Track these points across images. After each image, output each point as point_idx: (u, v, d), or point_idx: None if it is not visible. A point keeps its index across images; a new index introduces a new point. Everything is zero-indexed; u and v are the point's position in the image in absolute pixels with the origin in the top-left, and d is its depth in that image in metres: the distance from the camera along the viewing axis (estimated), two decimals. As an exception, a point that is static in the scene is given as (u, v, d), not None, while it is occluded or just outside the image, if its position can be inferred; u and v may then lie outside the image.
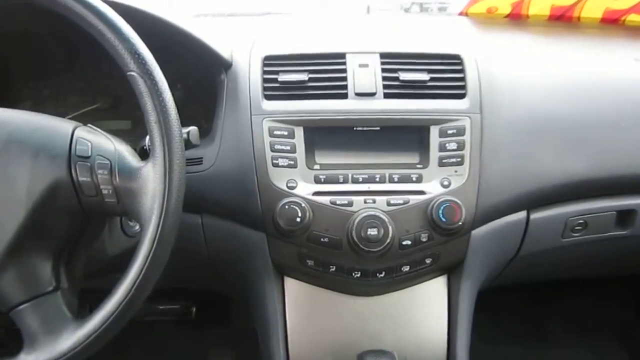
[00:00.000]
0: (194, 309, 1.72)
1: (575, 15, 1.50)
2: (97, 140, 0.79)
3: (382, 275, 0.99)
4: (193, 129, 0.86)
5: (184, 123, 1.19)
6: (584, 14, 1.50)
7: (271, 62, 1.03)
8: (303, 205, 0.95)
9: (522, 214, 1.06)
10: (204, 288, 1.52)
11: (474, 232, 1.01)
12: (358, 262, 0.98)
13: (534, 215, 1.07)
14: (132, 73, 0.74)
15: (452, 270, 1.06)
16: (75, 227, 0.81)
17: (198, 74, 1.17)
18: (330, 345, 1.06)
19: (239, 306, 1.71)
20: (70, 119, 1.26)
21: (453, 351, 1.04)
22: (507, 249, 1.10)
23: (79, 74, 1.25)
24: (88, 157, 0.76)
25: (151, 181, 0.73)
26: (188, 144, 0.85)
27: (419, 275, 1.02)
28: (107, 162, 0.77)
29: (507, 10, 1.50)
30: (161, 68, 0.76)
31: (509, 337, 1.81)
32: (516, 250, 1.11)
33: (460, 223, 0.95)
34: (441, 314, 1.07)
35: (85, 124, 0.84)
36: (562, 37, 1.35)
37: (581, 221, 1.11)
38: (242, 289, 1.13)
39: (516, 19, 1.50)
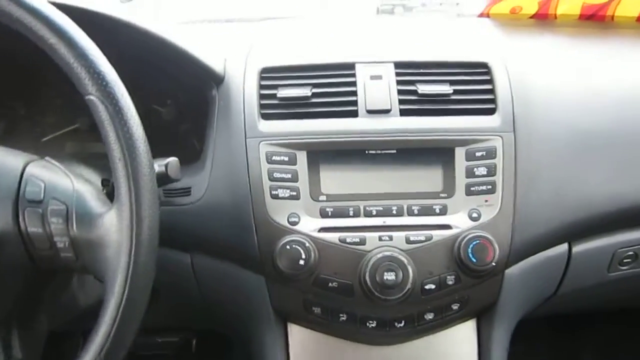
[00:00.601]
0: (194, 342, 1.59)
1: (608, 14, 1.35)
2: (53, 179, 0.65)
3: (401, 324, 0.86)
4: (172, 160, 0.73)
5: (176, 143, 1.05)
6: (619, 12, 1.34)
7: (269, 75, 0.92)
8: (307, 244, 0.82)
9: (563, 247, 0.93)
10: (202, 328, 1.39)
11: (507, 271, 0.88)
12: (373, 311, 0.85)
13: (577, 248, 0.94)
14: (91, 97, 0.61)
15: (482, 314, 0.92)
16: (30, 285, 0.68)
17: (189, 88, 1.04)
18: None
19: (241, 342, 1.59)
20: (46, 141, 1.14)
21: None
22: (545, 287, 0.96)
23: (57, 92, 1.12)
24: (40, 202, 0.63)
25: (115, 232, 0.60)
26: (165, 179, 0.72)
27: (444, 322, 0.88)
28: (63, 207, 0.63)
29: (533, 9, 1.34)
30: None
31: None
32: (555, 288, 0.97)
33: (493, 263, 0.81)
34: (470, 365, 0.92)
35: (43, 157, 0.70)
36: (598, 39, 1.20)
37: (631, 253, 0.98)
38: (242, 334, 0.99)
39: (543, 19, 1.35)
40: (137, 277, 0.59)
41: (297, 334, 0.92)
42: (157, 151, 0.82)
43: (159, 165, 0.73)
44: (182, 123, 1.09)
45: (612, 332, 1.69)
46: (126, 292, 0.59)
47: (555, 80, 0.96)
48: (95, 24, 0.68)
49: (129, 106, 0.62)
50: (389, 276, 0.80)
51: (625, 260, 0.98)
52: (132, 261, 0.59)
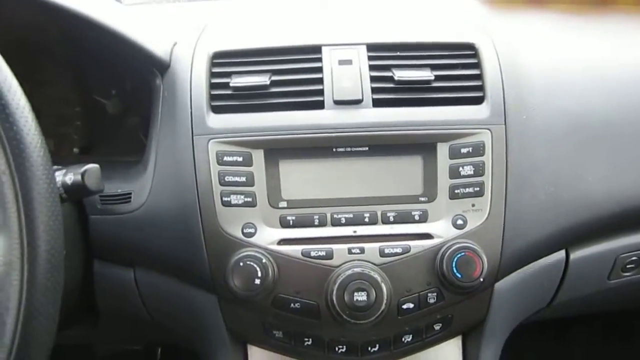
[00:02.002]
0: (159, 351, 1.48)
1: (606, -7, 1.24)
2: None
3: (375, 349, 0.76)
4: (91, 168, 0.61)
5: (122, 141, 0.93)
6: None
7: (221, 61, 0.82)
8: (264, 260, 0.71)
9: (559, 255, 0.83)
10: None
11: (497, 284, 0.78)
12: (342, 334, 0.75)
13: (575, 255, 0.84)
14: None
15: (468, 332, 0.82)
16: None
17: (134, 77, 0.91)
18: None
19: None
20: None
21: None
22: (538, 299, 0.87)
23: None
24: None
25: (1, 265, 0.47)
26: (82, 191, 0.59)
27: (424, 345, 0.78)
28: None
29: (525, -14, 1.23)
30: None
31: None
32: (550, 299, 0.86)
33: (480, 279, 0.71)
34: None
35: None
36: (599, 19, 1.09)
37: (634, 258, 0.88)
38: (199, 354, 0.87)
39: (536, -1, 1.23)
40: (30, 329, 0.47)
41: (257, 356, 0.81)
42: (102, 150, 0.71)
43: (74, 174, 0.60)
44: (129, 117, 0.97)
45: (605, 337, 1.61)
46: (15, 344, 0.46)
47: (551, 63, 0.85)
48: (24, 6, 0.54)
49: (18, 100, 0.49)
50: (360, 297, 0.69)
51: (628, 267, 0.88)
52: (22, 308, 0.46)
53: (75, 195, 0.61)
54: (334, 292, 0.70)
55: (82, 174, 0.60)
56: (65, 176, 0.61)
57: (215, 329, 0.78)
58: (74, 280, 0.79)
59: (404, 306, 0.73)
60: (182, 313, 0.81)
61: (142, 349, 1.50)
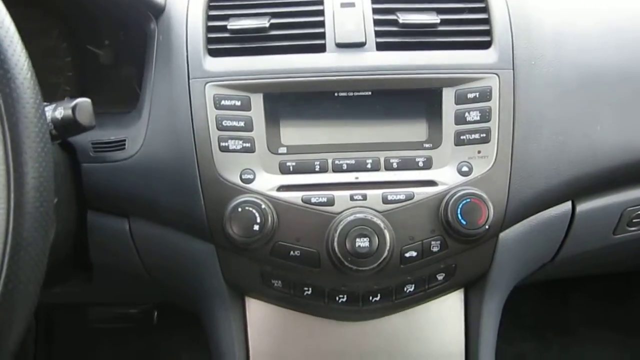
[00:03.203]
0: (155, 313, 1.46)
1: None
2: None
3: (377, 299, 0.74)
4: (82, 102, 0.58)
5: (116, 92, 0.90)
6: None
7: (218, 4, 0.79)
8: (263, 205, 0.69)
9: (565, 207, 0.81)
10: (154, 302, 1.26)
11: (502, 234, 0.76)
12: (343, 283, 0.73)
13: (582, 207, 0.82)
14: None
15: (471, 284, 0.80)
16: None
17: (127, 24, 0.87)
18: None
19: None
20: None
21: None
22: (543, 253, 0.85)
23: None
24: None
25: None
26: (74, 127, 0.57)
27: (427, 295, 0.76)
28: None
29: None
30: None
31: (529, 333, 1.58)
32: (554, 253, 0.84)
33: (485, 226, 0.69)
34: (456, 340, 0.82)
35: None
36: None
37: None
38: (196, 309, 0.86)
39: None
40: (19, 260, 0.44)
41: (256, 309, 0.80)
42: (95, 102, 0.68)
43: (64, 109, 0.57)
44: (123, 67, 0.93)
45: (603, 294, 1.62)
46: (3, 276, 0.44)
47: (563, 13, 0.82)
48: None
49: (8, 28, 0.46)
50: (362, 243, 0.67)
51: (634, 221, 0.86)
52: (10, 238, 0.43)
53: (66, 131, 0.58)
54: (335, 238, 0.68)
55: (73, 108, 0.57)
56: (55, 111, 0.58)
57: (213, 280, 0.76)
58: (67, 231, 0.76)
59: (407, 254, 0.71)
60: (179, 265, 0.79)
61: (137, 313, 1.49)
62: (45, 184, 0.46)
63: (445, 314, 0.81)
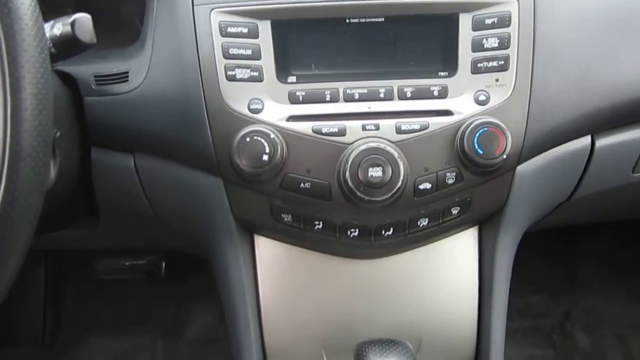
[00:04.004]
0: (163, 265, 1.46)
1: None
2: None
3: (389, 233, 0.71)
4: (81, 17, 0.55)
5: (119, 28, 0.87)
6: None
7: None
8: (273, 136, 0.67)
9: (585, 141, 0.78)
10: (162, 248, 1.25)
11: (519, 167, 0.73)
12: (355, 217, 0.71)
13: (601, 142, 0.79)
14: None
15: (485, 222, 0.78)
16: None
17: None
18: (320, 327, 0.79)
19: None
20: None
21: (486, 333, 0.77)
22: (560, 190, 0.82)
23: None
24: None
25: None
26: (74, 44, 0.54)
27: (440, 230, 0.74)
28: None
29: None
30: None
31: (537, 287, 1.58)
32: (571, 191, 0.82)
33: (503, 156, 0.67)
34: (469, 280, 0.80)
35: None
36: None
37: None
38: (204, 252, 0.84)
39: None
40: (18, 170, 0.42)
41: (265, 247, 0.78)
42: (97, 40, 0.66)
43: (63, 24, 0.55)
44: (126, 5, 0.90)
45: (612, 243, 1.60)
46: (2, 188, 0.42)
47: None
48: None
49: None
50: (375, 172, 0.65)
51: (654, 158, 0.83)
52: (8, 147, 0.41)
53: (65, 49, 0.55)
54: (348, 168, 0.65)
55: (72, 24, 0.55)
56: (54, 28, 0.55)
57: (221, 216, 0.74)
58: (71, 168, 0.74)
59: (421, 186, 0.68)
60: (186, 202, 0.77)
61: (145, 264, 1.49)
62: (44, 92, 0.43)
63: (459, 252, 0.79)
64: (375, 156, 0.65)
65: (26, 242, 0.47)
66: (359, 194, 0.65)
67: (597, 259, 1.64)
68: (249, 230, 0.77)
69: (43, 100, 0.43)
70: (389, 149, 0.66)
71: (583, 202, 0.88)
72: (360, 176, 0.65)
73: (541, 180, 0.76)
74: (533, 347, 1.51)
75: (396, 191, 0.66)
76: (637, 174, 0.85)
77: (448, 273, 0.80)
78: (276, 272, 0.79)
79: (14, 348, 1.53)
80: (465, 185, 0.70)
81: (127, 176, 0.77)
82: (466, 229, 0.78)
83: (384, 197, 0.66)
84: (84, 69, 0.73)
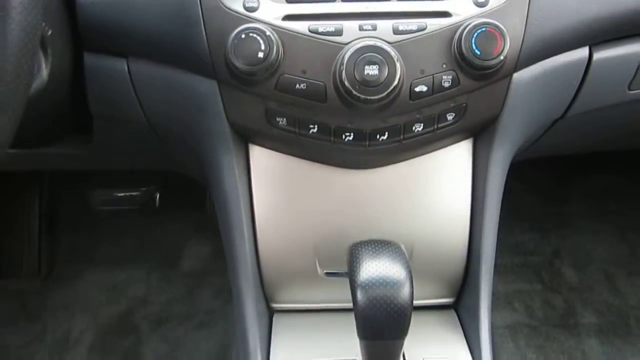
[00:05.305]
0: (157, 195, 1.46)
1: None
2: None
3: (384, 137, 0.71)
4: None
5: None
6: None
7: None
8: (268, 33, 0.65)
9: (582, 52, 0.77)
10: (160, 169, 1.25)
11: (516, 75, 0.72)
12: (350, 120, 0.70)
13: (599, 55, 0.78)
14: None
15: (480, 132, 0.77)
16: None
17: None
18: (313, 236, 0.79)
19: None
20: None
21: (477, 241, 0.78)
22: (555, 104, 0.81)
23: None
24: None
25: None
26: None
27: (435, 137, 0.73)
28: None
29: None
30: None
31: (528, 224, 1.60)
32: (567, 106, 0.81)
33: (500, 57, 0.66)
34: (463, 191, 0.80)
35: None
36: None
37: None
38: (198, 165, 0.84)
39: None
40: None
41: (259, 157, 0.78)
42: None
43: None
44: None
45: (603, 182, 1.63)
46: None
47: None
48: None
49: None
50: (371, 71, 0.64)
51: (653, 74, 0.82)
52: None
53: None
54: (344, 67, 0.64)
55: None
56: None
57: (216, 121, 0.73)
58: (63, 69, 0.73)
59: (417, 89, 0.67)
60: (180, 107, 0.76)
61: (140, 195, 1.49)
62: None
63: (453, 164, 0.79)
64: (372, 54, 0.64)
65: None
66: (354, 92, 0.65)
67: (587, 201, 1.66)
68: (244, 138, 0.77)
69: None
70: (385, 47, 0.65)
71: (577, 123, 0.88)
72: (356, 74, 0.64)
73: (537, 90, 0.75)
74: (522, 282, 1.54)
75: (392, 90, 0.65)
76: (632, 91, 0.85)
77: (442, 184, 0.80)
78: (270, 181, 0.78)
79: (9, 279, 1.54)
80: (461, 90, 0.69)
81: (121, 81, 0.76)
82: (461, 139, 0.78)
83: (380, 96, 0.65)
84: None
